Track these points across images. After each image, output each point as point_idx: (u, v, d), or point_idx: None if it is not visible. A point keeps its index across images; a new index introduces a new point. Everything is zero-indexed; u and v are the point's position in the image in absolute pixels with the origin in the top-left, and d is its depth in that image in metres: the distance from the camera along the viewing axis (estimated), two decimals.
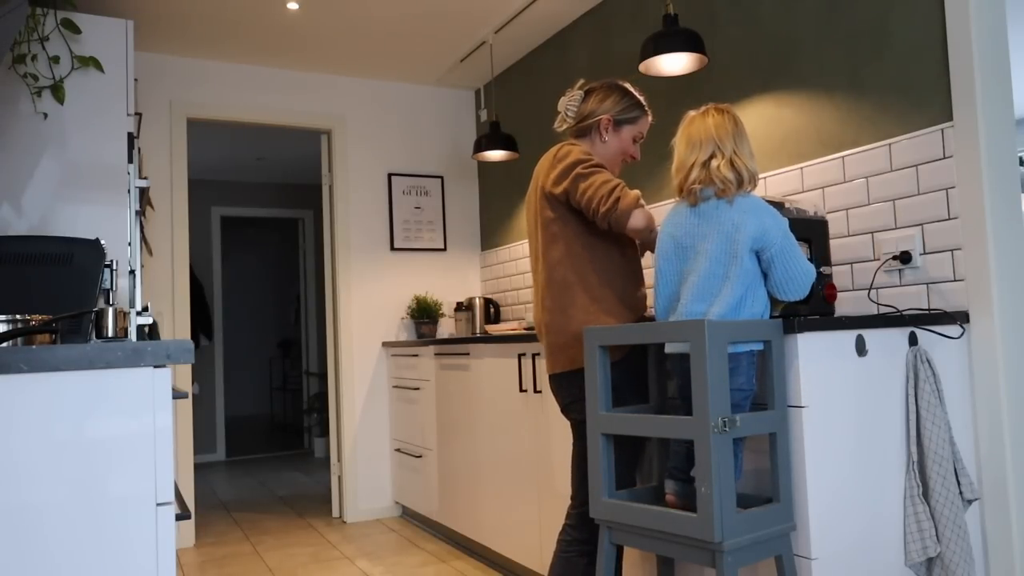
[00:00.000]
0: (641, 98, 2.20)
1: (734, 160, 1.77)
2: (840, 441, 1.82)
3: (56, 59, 2.54)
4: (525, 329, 3.72)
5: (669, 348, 1.85)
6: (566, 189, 2.03)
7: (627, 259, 2.11)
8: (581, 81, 2.23)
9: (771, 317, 1.84)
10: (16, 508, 1.12)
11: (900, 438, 1.93)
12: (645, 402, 2.05)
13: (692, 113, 1.90)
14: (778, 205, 2.07)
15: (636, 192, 1.96)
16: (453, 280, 4.72)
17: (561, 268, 2.06)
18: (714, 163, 1.78)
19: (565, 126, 2.20)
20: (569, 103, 2.18)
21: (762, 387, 1.83)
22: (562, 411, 2.14)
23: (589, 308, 2.02)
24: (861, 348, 1.88)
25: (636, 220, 1.94)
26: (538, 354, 2.83)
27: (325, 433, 6.60)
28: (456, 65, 4.38)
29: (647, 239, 2.04)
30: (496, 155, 3.97)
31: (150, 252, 3.89)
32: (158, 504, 1.21)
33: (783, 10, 2.65)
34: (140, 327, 2.40)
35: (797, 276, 1.77)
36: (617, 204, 1.93)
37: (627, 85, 2.20)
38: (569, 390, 2.07)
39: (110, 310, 1.55)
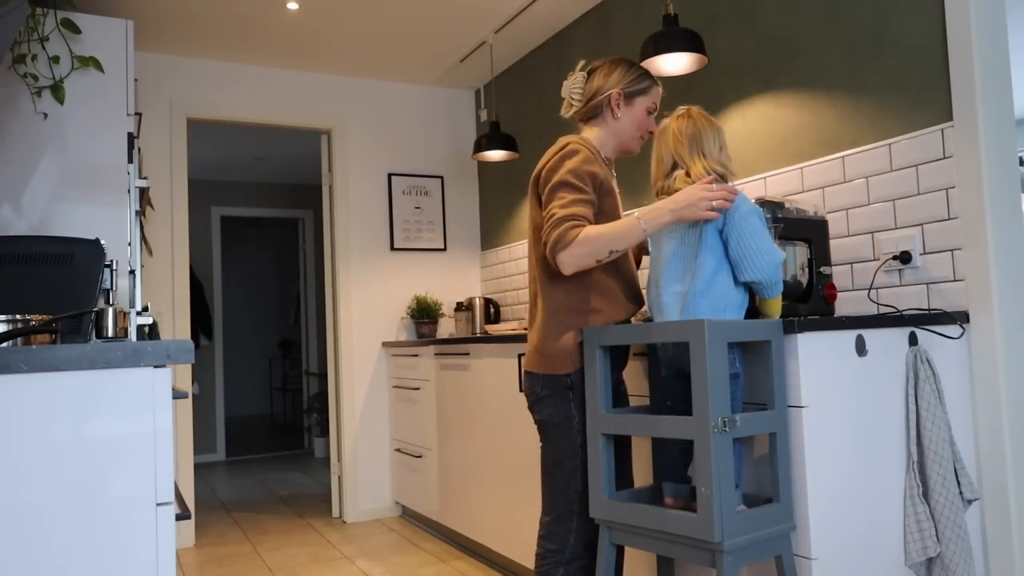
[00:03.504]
0: (648, 69, 2.09)
1: (691, 171, 1.84)
2: (840, 441, 1.82)
3: (56, 59, 2.54)
4: (525, 329, 3.71)
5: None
6: (545, 194, 1.92)
7: (613, 267, 1.97)
8: (582, 62, 2.07)
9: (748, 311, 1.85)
10: (16, 508, 1.12)
11: (900, 438, 1.93)
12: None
13: (664, 122, 1.95)
14: (778, 205, 2.08)
15: (575, 233, 1.81)
16: (453, 280, 4.72)
17: (546, 273, 1.97)
18: (676, 173, 1.87)
19: (572, 111, 2.06)
20: (573, 86, 2.04)
21: (762, 387, 1.83)
22: (528, 407, 2.05)
23: (574, 316, 1.94)
24: (861, 348, 1.88)
25: (564, 266, 1.83)
26: None
27: (325, 433, 6.60)
28: (456, 65, 4.38)
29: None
30: (496, 155, 3.97)
31: (150, 252, 3.89)
32: (158, 504, 1.21)
33: (783, 10, 2.65)
34: (140, 327, 2.41)
35: (752, 252, 1.75)
36: (555, 246, 1.83)
37: (630, 59, 2.08)
38: (532, 389, 1.99)
39: (110, 310, 1.55)
